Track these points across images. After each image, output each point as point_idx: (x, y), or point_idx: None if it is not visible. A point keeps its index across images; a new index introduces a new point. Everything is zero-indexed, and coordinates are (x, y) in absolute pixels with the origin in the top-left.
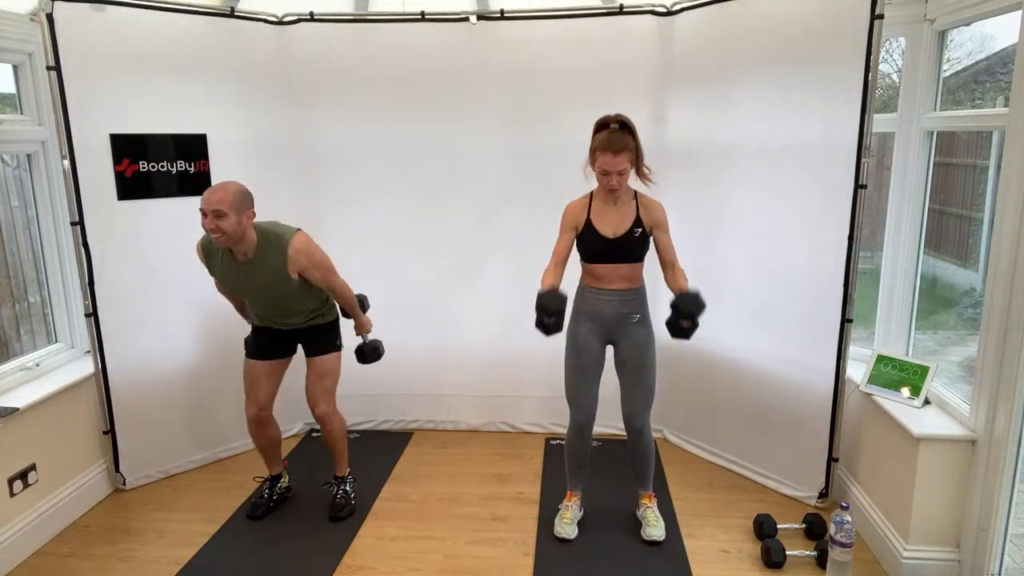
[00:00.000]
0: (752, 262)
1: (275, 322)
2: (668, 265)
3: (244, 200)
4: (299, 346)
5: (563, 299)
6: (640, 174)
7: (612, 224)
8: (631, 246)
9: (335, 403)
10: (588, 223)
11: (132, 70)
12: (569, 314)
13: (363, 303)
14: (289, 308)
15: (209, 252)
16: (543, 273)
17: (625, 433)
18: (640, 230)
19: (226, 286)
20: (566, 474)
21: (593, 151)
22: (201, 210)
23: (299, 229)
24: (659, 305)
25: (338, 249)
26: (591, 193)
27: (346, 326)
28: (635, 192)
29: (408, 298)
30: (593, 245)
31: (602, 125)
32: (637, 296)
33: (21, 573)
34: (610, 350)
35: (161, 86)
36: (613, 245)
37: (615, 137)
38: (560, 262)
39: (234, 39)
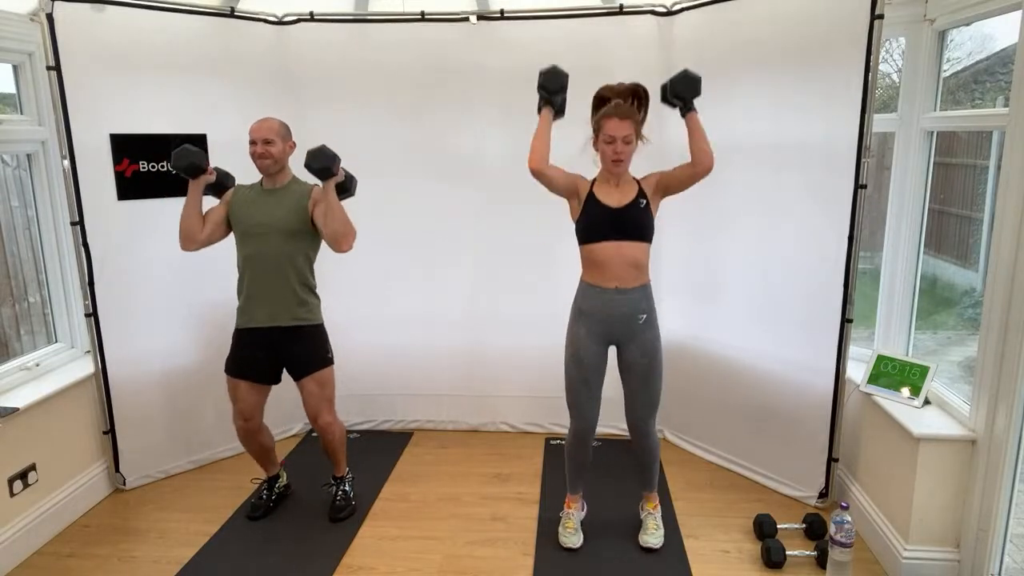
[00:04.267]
0: (752, 262)
1: (262, 287)
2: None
3: (287, 130)
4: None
5: (563, 76)
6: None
7: (615, 198)
8: (637, 218)
9: (335, 411)
10: (591, 195)
11: (132, 70)
12: (569, 314)
13: (351, 180)
14: (285, 260)
15: (238, 188)
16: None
17: (627, 434)
18: (644, 201)
19: (241, 222)
20: (566, 478)
21: (597, 121)
22: (251, 141)
23: None
24: (661, 306)
25: None
26: (592, 179)
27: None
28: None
29: (408, 298)
30: (597, 216)
31: (603, 99)
32: (643, 294)
33: (21, 573)
34: (612, 351)
35: (161, 86)
36: (618, 216)
37: (622, 106)
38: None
39: (234, 39)
